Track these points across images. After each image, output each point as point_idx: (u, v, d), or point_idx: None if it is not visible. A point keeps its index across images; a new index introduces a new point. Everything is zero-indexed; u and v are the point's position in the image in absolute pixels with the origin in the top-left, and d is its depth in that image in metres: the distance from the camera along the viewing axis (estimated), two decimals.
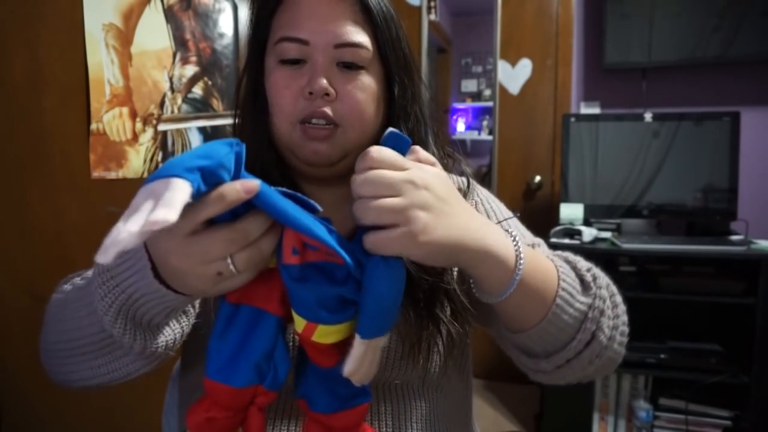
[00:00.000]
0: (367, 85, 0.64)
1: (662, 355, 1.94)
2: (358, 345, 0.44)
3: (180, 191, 0.37)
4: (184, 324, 0.56)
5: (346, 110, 0.62)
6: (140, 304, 0.49)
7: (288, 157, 0.65)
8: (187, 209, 0.38)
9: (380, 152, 0.45)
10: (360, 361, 0.44)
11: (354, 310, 0.45)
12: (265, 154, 0.65)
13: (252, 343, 0.45)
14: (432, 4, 2.87)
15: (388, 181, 0.44)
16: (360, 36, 0.63)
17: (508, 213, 0.77)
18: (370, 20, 0.64)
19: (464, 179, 0.76)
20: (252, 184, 0.41)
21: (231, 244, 0.41)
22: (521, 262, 0.51)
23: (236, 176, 0.42)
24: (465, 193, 0.74)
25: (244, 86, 0.70)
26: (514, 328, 0.58)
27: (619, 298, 0.63)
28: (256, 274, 0.44)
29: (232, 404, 0.46)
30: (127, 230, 0.35)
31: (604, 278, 0.62)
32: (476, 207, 0.74)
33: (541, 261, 0.56)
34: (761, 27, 2.12)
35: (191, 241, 0.41)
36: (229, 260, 0.41)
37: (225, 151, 0.41)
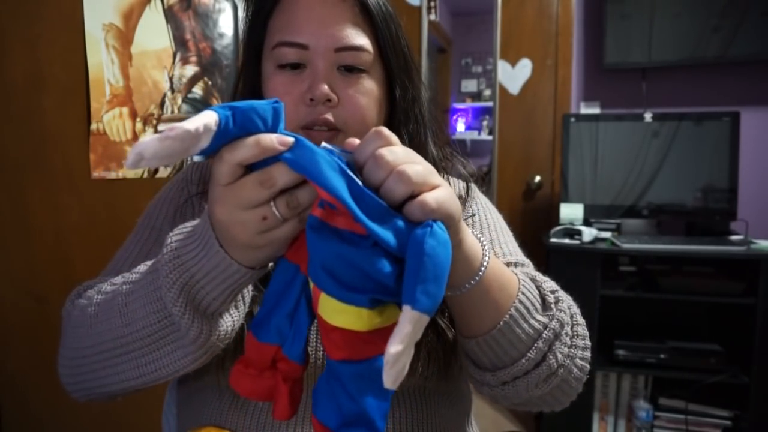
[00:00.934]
0: (368, 89, 0.63)
1: (662, 355, 1.94)
2: (407, 319, 0.36)
3: (204, 116, 0.39)
4: (235, 317, 0.55)
5: (348, 116, 0.61)
6: (202, 285, 0.49)
7: None
8: (224, 152, 0.41)
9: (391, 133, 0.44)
10: (409, 340, 0.36)
11: (371, 299, 0.39)
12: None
13: (282, 301, 0.45)
14: (432, 4, 2.87)
15: (415, 156, 0.43)
16: (361, 39, 0.62)
17: (505, 226, 0.76)
18: (370, 21, 0.63)
19: (463, 184, 0.76)
20: (287, 139, 0.41)
21: (261, 186, 0.41)
22: (485, 262, 0.50)
23: (273, 130, 0.42)
24: (464, 200, 0.74)
25: (241, 91, 0.69)
26: (466, 331, 0.56)
27: (582, 330, 0.60)
28: (300, 226, 0.44)
29: (255, 359, 0.46)
30: (150, 137, 0.36)
31: (569, 304, 0.60)
32: (473, 220, 0.73)
33: (504, 271, 0.54)
34: (761, 27, 2.12)
35: (229, 188, 0.42)
36: (272, 204, 0.42)
37: (263, 102, 0.42)
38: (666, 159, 2.14)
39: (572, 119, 2.22)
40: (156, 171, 1.53)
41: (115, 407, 1.42)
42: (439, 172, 0.69)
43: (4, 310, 1.32)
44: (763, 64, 2.20)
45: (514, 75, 2.60)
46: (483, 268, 0.50)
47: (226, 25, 1.70)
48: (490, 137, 3.64)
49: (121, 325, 0.54)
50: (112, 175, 1.45)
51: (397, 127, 0.66)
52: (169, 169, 1.55)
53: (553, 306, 0.57)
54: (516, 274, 0.57)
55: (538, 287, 0.58)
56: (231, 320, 0.54)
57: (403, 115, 0.67)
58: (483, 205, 0.77)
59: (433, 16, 2.88)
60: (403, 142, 0.66)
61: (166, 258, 0.50)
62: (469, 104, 4.99)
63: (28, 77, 1.32)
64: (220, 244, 0.46)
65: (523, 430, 2.23)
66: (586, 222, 2.17)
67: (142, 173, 1.50)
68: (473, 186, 0.78)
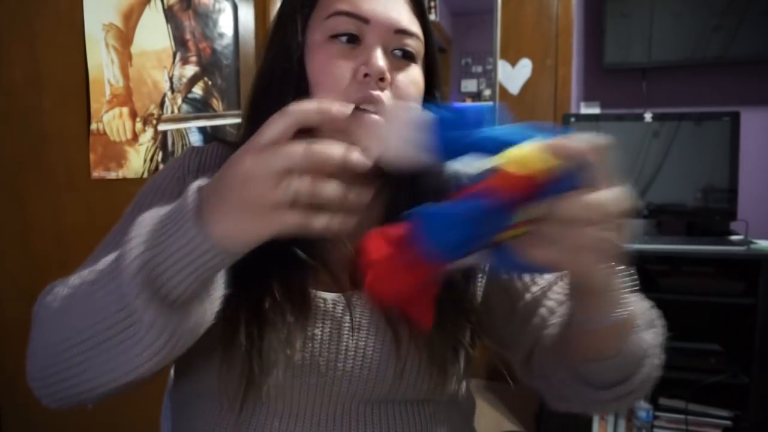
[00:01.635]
0: (418, 79, 0.62)
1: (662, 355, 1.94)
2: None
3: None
4: (208, 312, 0.50)
5: (402, 99, 0.58)
6: (165, 266, 0.44)
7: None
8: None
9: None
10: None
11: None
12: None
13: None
14: (432, 4, 2.87)
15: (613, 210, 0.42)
16: (417, 27, 0.61)
17: None
18: (422, 17, 0.62)
19: None
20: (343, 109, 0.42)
21: (289, 157, 0.39)
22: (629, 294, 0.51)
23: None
24: None
25: (279, 66, 0.62)
26: (593, 356, 0.54)
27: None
28: (310, 224, 0.41)
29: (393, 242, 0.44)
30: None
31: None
32: None
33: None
34: (762, 27, 2.12)
35: (268, 148, 0.41)
36: (293, 184, 0.40)
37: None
38: (666, 159, 2.14)
39: (572, 119, 2.22)
40: (156, 171, 1.53)
41: (115, 407, 1.42)
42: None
43: (3, 310, 1.32)
44: (763, 64, 2.20)
45: (514, 75, 2.60)
46: (628, 304, 0.51)
47: (226, 25, 1.70)
48: None
49: (83, 317, 0.48)
50: (112, 175, 1.44)
51: None
52: None
53: (656, 321, 0.60)
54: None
55: (651, 307, 0.60)
56: (199, 314, 0.48)
57: None
58: None
59: (433, 16, 2.88)
60: None
61: (128, 233, 0.46)
62: (468, 104, 4.99)
63: (27, 77, 1.32)
64: (198, 216, 0.43)
65: (523, 430, 2.23)
66: None
67: (142, 173, 1.50)
68: None
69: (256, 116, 0.63)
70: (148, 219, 0.46)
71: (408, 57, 0.60)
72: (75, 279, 0.54)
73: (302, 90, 0.59)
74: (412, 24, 0.60)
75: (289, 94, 0.58)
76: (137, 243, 0.44)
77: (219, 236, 0.43)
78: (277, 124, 0.41)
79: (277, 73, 0.62)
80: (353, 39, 0.58)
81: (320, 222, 0.42)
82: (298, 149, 0.40)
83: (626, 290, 0.51)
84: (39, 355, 0.55)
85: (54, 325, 0.52)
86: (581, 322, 0.51)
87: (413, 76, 0.60)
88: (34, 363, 0.56)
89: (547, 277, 0.66)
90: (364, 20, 0.58)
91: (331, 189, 0.41)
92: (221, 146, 0.72)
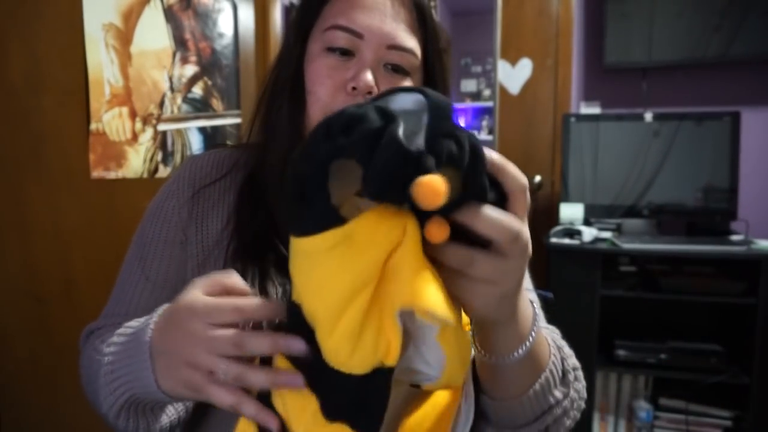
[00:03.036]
0: None
1: (662, 355, 1.94)
2: None
3: None
4: (187, 404, 0.59)
5: None
6: (141, 399, 0.52)
7: None
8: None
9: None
10: None
11: None
12: (297, 144, 0.62)
13: None
14: (432, 4, 2.87)
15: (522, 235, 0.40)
16: (413, 42, 0.62)
17: None
18: (424, 28, 0.63)
19: None
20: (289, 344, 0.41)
21: (220, 345, 0.44)
22: (533, 332, 0.48)
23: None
24: None
25: (285, 72, 0.65)
26: (491, 393, 0.54)
27: (583, 394, 0.60)
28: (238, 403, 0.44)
29: None
30: None
31: (581, 378, 0.60)
32: None
33: (542, 340, 0.54)
34: (762, 27, 2.12)
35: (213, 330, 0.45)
36: (222, 364, 0.44)
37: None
38: (666, 159, 2.14)
39: (572, 119, 2.22)
40: (156, 171, 1.53)
41: None
42: None
43: (3, 310, 1.32)
44: (763, 64, 2.20)
45: (514, 75, 2.60)
46: (531, 339, 0.48)
47: (226, 24, 1.69)
48: (489, 137, 3.64)
49: (91, 398, 0.60)
50: (112, 175, 1.44)
51: None
52: (169, 169, 1.55)
53: (570, 385, 0.56)
54: (547, 341, 0.55)
55: (563, 360, 0.56)
56: (183, 406, 0.59)
57: None
58: None
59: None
60: None
61: (104, 381, 0.54)
62: (468, 104, 4.99)
63: (27, 77, 1.32)
64: (152, 369, 0.49)
65: None
66: (587, 222, 2.17)
67: (142, 173, 1.50)
68: None
69: (260, 115, 0.67)
70: (116, 360, 0.54)
71: (400, 72, 0.62)
72: (96, 347, 0.61)
73: (298, 95, 0.63)
74: (407, 39, 0.61)
75: (285, 99, 0.64)
76: (114, 387, 0.54)
77: (168, 391, 0.49)
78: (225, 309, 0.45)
79: (279, 77, 0.66)
80: (347, 52, 0.61)
81: (249, 408, 0.44)
82: (228, 338, 0.43)
83: (530, 324, 0.48)
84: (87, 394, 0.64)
85: (85, 385, 0.63)
86: (486, 359, 0.49)
87: None
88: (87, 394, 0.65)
89: None
90: (358, 35, 0.60)
91: (258, 378, 0.43)
92: (220, 151, 0.74)
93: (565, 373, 0.56)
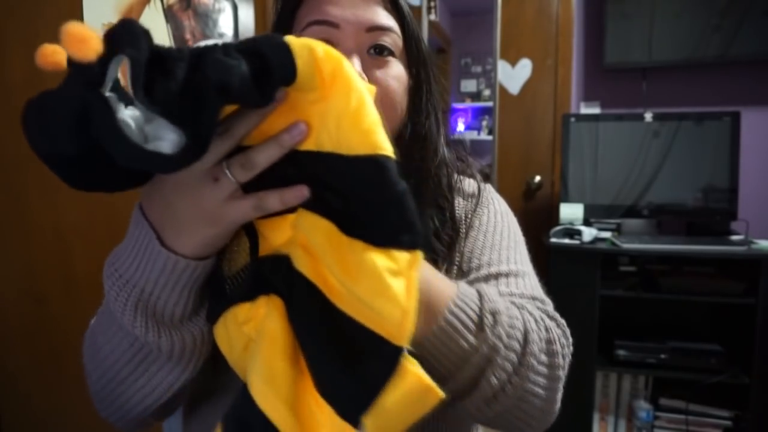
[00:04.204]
0: (398, 72, 0.62)
1: (662, 355, 1.94)
2: None
3: None
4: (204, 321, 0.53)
5: (378, 98, 0.58)
6: (156, 293, 0.47)
7: None
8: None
9: None
10: None
11: None
12: None
13: None
14: (432, 4, 2.87)
15: None
16: (391, 21, 0.61)
17: (513, 231, 0.71)
18: (397, 11, 0.62)
19: (476, 185, 0.74)
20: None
21: (215, 151, 0.42)
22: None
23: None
24: (476, 200, 0.71)
25: None
26: None
27: (539, 352, 0.53)
28: (257, 209, 0.45)
29: None
30: None
31: (521, 321, 0.53)
32: (479, 221, 0.69)
33: (437, 285, 0.50)
34: (762, 27, 2.12)
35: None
36: (224, 165, 0.43)
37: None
38: (666, 159, 2.14)
39: (572, 119, 2.22)
40: None
41: None
42: (449, 171, 0.69)
43: (3, 310, 1.32)
44: (763, 64, 2.20)
45: (514, 75, 2.60)
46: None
47: (226, 25, 1.69)
48: (489, 137, 3.63)
49: (105, 358, 0.53)
50: None
51: (414, 118, 0.65)
52: None
53: (487, 329, 0.50)
54: (458, 287, 0.52)
55: (481, 307, 0.51)
56: (203, 321, 0.51)
57: (421, 108, 0.66)
58: (495, 206, 0.73)
59: (433, 16, 2.88)
60: (418, 136, 0.64)
61: (109, 283, 0.49)
62: (468, 104, 4.99)
63: (27, 77, 1.32)
64: (161, 243, 0.45)
65: None
66: (586, 222, 2.17)
67: None
68: (488, 186, 0.76)
69: None
70: (118, 258, 0.49)
71: (385, 53, 0.61)
72: (95, 317, 0.57)
73: None
74: (384, 18, 0.60)
75: None
76: (120, 286, 0.48)
77: (191, 252, 0.46)
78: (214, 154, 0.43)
79: None
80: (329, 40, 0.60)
81: (273, 199, 0.44)
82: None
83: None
84: (90, 383, 0.59)
85: (90, 363, 0.56)
86: None
87: (393, 71, 0.61)
88: (90, 387, 0.59)
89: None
90: (334, 25, 0.59)
91: (265, 153, 0.43)
92: None
93: (481, 317, 0.51)
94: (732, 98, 2.25)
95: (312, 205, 0.44)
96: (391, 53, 0.61)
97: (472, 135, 4.81)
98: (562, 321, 0.59)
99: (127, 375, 0.52)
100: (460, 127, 4.94)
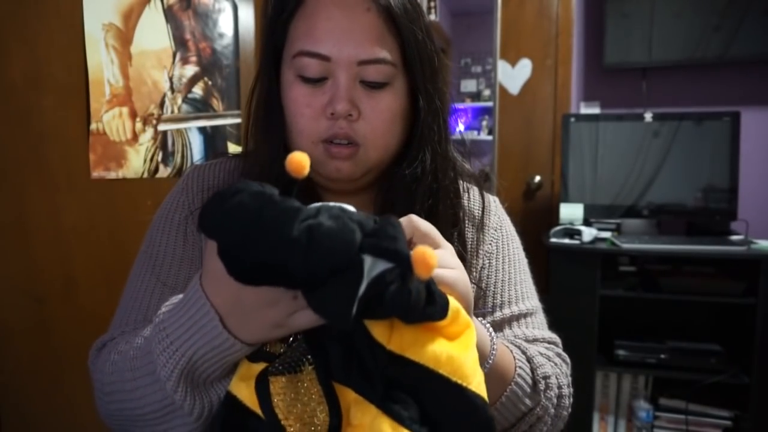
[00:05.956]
0: (390, 103, 0.61)
1: (662, 355, 1.94)
2: None
3: None
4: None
5: (369, 131, 0.61)
6: (201, 363, 0.49)
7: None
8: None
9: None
10: None
11: None
12: (280, 165, 0.63)
13: None
14: (432, 4, 2.87)
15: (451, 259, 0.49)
16: (384, 51, 0.59)
17: (523, 256, 0.77)
18: (395, 30, 0.60)
19: (490, 198, 0.77)
20: None
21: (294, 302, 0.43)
22: (492, 355, 0.55)
23: None
24: (481, 221, 0.73)
25: (258, 94, 0.67)
26: None
27: (566, 400, 0.66)
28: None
29: None
30: None
31: (559, 381, 0.65)
32: (496, 246, 0.74)
33: (505, 358, 0.58)
34: (762, 27, 2.12)
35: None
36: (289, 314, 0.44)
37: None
38: (666, 159, 2.14)
39: (572, 119, 2.22)
40: (156, 171, 1.53)
41: None
42: (457, 178, 0.71)
43: (3, 311, 1.32)
44: (763, 64, 2.20)
45: (513, 75, 2.60)
46: (490, 361, 0.55)
47: (226, 25, 1.69)
48: (489, 137, 3.63)
49: (136, 397, 0.54)
50: (112, 175, 1.44)
51: (421, 140, 0.65)
52: (169, 169, 1.55)
53: (542, 393, 0.61)
54: (513, 355, 0.60)
55: (533, 370, 0.61)
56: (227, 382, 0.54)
57: (427, 128, 0.65)
58: (508, 229, 0.77)
59: (433, 16, 2.88)
60: (423, 156, 0.65)
61: (159, 348, 0.49)
62: (468, 104, 4.99)
63: (27, 77, 1.32)
64: (224, 325, 0.46)
65: None
66: (586, 222, 2.17)
67: (142, 173, 1.50)
68: (497, 200, 0.78)
69: (255, 143, 0.68)
70: (170, 324, 0.49)
71: (376, 85, 0.61)
72: (122, 345, 0.58)
73: (279, 114, 0.64)
74: (378, 50, 0.59)
75: (278, 123, 0.64)
76: (170, 353, 0.49)
77: (247, 340, 0.47)
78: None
79: (261, 101, 0.66)
80: (320, 78, 0.60)
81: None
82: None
83: (488, 349, 0.55)
84: (101, 406, 0.60)
85: (108, 393, 0.58)
86: None
87: (383, 103, 0.61)
88: (99, 408, 0.61)
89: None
90: (325, 59, 0.59)
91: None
92: (230, 160, 0.73)
93: (535, 383, 0.61)
94: (732, 98, 2.25)
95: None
96: (382, 84, 0.61)
97: (472, 135, 4.82)
98: (566, 355, 0.70)
99: (150, 419, 0.54)
100: (460, 127, 4.94)
